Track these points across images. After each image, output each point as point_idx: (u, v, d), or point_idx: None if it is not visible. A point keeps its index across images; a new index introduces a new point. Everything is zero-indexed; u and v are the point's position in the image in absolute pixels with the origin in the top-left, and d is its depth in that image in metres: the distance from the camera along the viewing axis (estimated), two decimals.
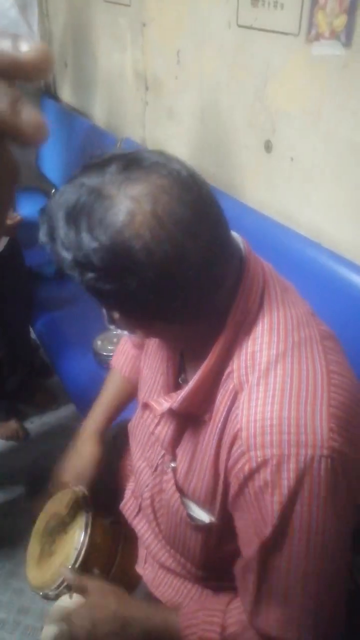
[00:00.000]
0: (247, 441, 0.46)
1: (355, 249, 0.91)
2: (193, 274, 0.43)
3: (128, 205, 0.41)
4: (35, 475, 0.91)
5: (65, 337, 1.34)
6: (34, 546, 0.80)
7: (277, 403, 0.46)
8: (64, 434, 1.51)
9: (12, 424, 1.48)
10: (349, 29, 0.81)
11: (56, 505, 0.81)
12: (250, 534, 0.48)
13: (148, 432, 0.64)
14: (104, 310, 0.53)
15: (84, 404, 1.14)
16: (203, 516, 0.57)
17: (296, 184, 1.00)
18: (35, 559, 0.78)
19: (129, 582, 0.75)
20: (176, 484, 0.58)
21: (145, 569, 0.71)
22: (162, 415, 0.58)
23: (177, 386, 0.60)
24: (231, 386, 0.49)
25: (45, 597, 0.72)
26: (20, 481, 1.03)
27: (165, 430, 0.59)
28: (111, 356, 1.18)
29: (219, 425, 0.50)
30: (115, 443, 0.84)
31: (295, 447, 0.44)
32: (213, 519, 0.55)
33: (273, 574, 0.48)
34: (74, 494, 0.79)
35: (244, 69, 1.05)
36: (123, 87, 1.57)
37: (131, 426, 0.74)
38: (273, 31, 0.95)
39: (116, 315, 0.52)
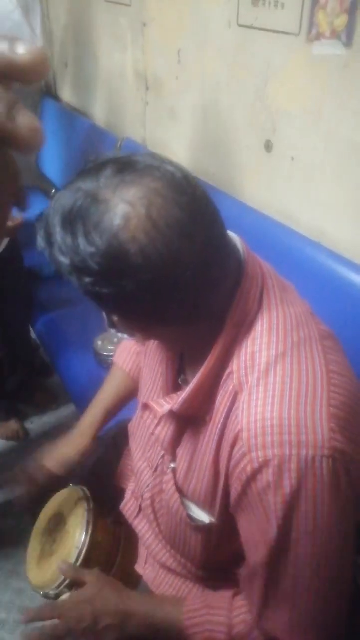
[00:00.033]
0: (248, 442, 0.46)
1: (355, 248, 0.91)
2: (190, 276, 0.43)
3: (123, 209, 0.41)
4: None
5: (65, 337, 1.34)
6: (34, 546, 0.80)
7: (277, 403, 0.46)
8: (64, 434, 1.51)
9: (13, 424, 1.48)
10: (350, 29, 0.81)
11: (57, 504, 0.81)
12: (256, 538, 0.48)
13: (148, 432, 0.64)
14: (104, 314, 0.53)
15: (85, 404, 1.13)
16: (203, 517, 0.57)
17: (297, 184, 1.00)
18: (36, 558, 0.78)
19: (129, 581, 0.74)
20: (176, 484, 0.58)
21: (145, 569, 0.71)
22: (163, 416, 0.58)
23: (176, 387, 0.61)
24: (231, 387, 0.49)
25: (46, 596, 0.72)
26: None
27: (166, 431, 0.59)
28: (111, 356, 1.17)
29: (219, 426, 0.50)
30: (115, 443, 0.84)
31: (297, 448, 0.44)
32: (213, 520, 0.55)
33: (280, 577, 0.48)
34: (75, 493, 0.79)
35: (244, 68, 1.05)
36: (124, 87, 1.57)
37: (131, 426, 0.74)
38: (274, 31, 0.95)
39: (116, 318, 0.52)
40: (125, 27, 1.47)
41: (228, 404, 0.49)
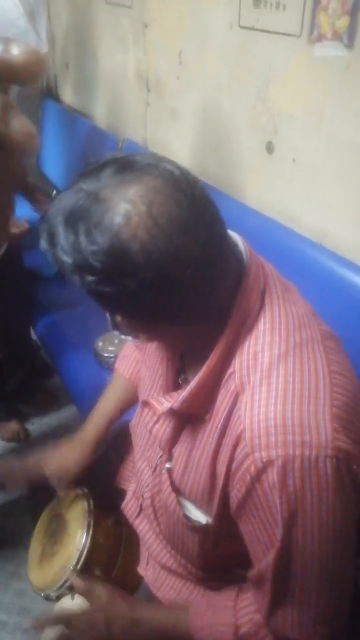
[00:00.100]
0: (251, 442, 0.46)
1: (356, 249, 0.91)
2: (191, 273, 0.43)
3: (124, 207, 0.42)
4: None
5: (66, 338, 1.34)
6: (35, 547, 0.80)
7: (280, 403, 0.46)
8: (65, 435, 1.50)
9: (13, 425, 1.48)
10: (352, 30, 0.81)
11: (58, 506, 0.81)
12: (262, 539, 0.48)
13: (146, 430, 0.64)
14: (107, 315, 0.54)
15: (85, 405, 1.13)
16: (200, 517, 0.57)
17: (298, 185, 1.00)
18: (37, 559, 0.78)
19: (130, 582, 0.75)
20: (172, 484, 0.58)
21: (147, 570, 0.71)
22: (162, 414, 0.58)
23: (176, 386, 0.61)
24: (232, 387, 0.49)
25: (47, 597, 0.72)
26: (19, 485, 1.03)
27: (164, 429, 0.59)
28: (112, 357, 1.19)
29: (220, 425, 0.50)
30: (115, 444, 0.84)
31: (300, 448, 0.44)
32: (210, 520, 0.55)
33: (287, 576, 0.48)
34: (75, 494, 0.79)
35: (245, 69, 1.05)
36: (125, 88, 1.57)
37: (132, 425, 0.74)
38: (275, 32, 0.95)
39: (118, 318, 0.52)
40: (127, 28, 1.47)
41: (229, 404, 0.49)
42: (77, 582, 0.67)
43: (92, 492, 0.78)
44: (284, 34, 0.93)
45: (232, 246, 0.50)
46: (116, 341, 1.21)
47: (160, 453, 0.62)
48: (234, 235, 0.52)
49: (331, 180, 0.92)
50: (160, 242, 0.42)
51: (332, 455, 0.44)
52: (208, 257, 0.44)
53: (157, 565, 0.69)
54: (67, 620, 0.62)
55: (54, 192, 1.63)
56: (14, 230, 1.30)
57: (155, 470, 0.64)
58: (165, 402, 0.56)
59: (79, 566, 0.70)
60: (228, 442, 0.49)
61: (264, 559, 0.49)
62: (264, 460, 0.45)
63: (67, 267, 0.44)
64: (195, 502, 0.57)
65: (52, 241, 0.44)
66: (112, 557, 0.75)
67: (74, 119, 1.88)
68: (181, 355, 0.61)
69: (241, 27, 1.03)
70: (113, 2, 1.50)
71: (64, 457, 0.78)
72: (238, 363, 0.49)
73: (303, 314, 0.52)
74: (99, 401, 0.82)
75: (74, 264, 0.43)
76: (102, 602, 0.63)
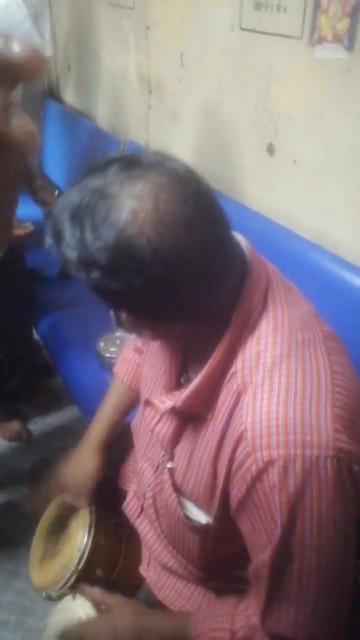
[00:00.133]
0: (253, 442, 0.46)
1: (357, 251, 0.91)
2: (195, 270, 0.43)
3: (130, 203, 0.42)
4: (38, 476, 0.91)
5: (67, 339, 1.35)
6: (37, 547, 0.80)
7: (282, 404, 0.46)
8: (67, 435, 1.51)
9: (15, 425, 1.48)
10: (352, 33, 0.81)
11: (59, 506, 0.81)
12: (261, 538, 0.48)
13: (148, 430, 0.64)
14: (112, 312, 0.54)
15: (87, 405, 1.14)
16: (200, 517, 0.57)
17: (298, 187, 1.00)
18: (39, 559, 0.78)
19: (132, 583, 0.75)
20: (174, 483, 0.58)
21: (148, 571, 0.72)
22: (164, 413, 0.58)
23: (178, 386, 0.61)
24: (235, 386, 0.49)
25: (49, 597, 0.72)
26: (23, 482, 1.03)
27: (166, 428, 0.59)
28: (114, 358, 1.18)
29: (221, 425, 0.50)
30: (117, 444, 0.84)
31: (301, 448, 0.44)
32: (210, 520, 0.56)
33: (284, 575, 0.48)
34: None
35: (247, 71, 1.06)
36: (127, 89, 1.58)
37: (134, 425, 0.74)
38: (276, 34, 0.95)
39: (123, 315, 0.52)
40: (129, 30, 1.48)
41: (231, 403, 0.50)
42: (90, 591, 0.67)
43: (93, 492, 0.78)
44: (284, 36, 0.94)
45: (235, 245, 0.51)
46: (118, 342, 1.21)
47: (163, 453, 0.62)
48: (236, 235, 0.53)
49: (331, 182, 0.93)
50: (167, 239, 0.42)
51: (333, 456, 0.44)
52: (213, 254, 0.45)
53: (158, 566, 0.69)
54: (79, 634, 0.62)
55: (56, 192, 1.63)
56: (18, 232, 1.30)
57: (157, 470, 0.64)
58: (168, 401, 0.56)
59: (80, 566, 0.70)
60: (229, 441, 0.50)
61: (261, 556, 0.49)
62: (265, 460, 0.45)
63: (73, 264, 0.44)
64: (196, 502, 0.57)
65: (58, 237, 0.45)
66: (114, 558, 0.75)
67: (76, 120, 1.88)
68: (183, 354, 0.61)
69: (242, 29, 1.04)
70: (115, 3, 1.51)
71: (78, 470, 0.77)
72: (240, 363, 0.49)
73: (305, 314, 0.52)
74: (100, 407, 0.82)
75: (80, 260, 0.43)
76: (110, 612, 0.64)
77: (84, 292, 0.47)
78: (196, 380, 0.52)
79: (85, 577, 0.70)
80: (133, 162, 0.44)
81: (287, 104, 0.98)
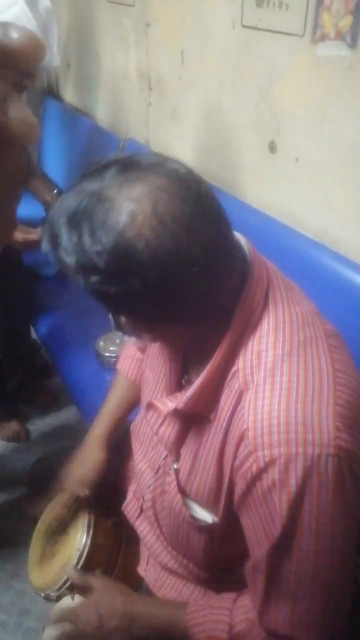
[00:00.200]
0: (254, 440, 0.46)
1: (358, 249, 0.90)
2: (196, 271, 0.43)
3: (128, 206, 0.42)
4: (37, 476, 0.90)
5: (67, 338, 1.34)
6: (35, 547, 0.79)
7: (284, 402, 0.46)
8: (66, 436, 1.50)
9: (14, 425, 1.48)
10: (355, 30, 0.81)
11: (58, 506, 0.81)
12: (260, 534, 0.48)
13: (151, 433, 0.64)
14: (110, 316, 0.53)
15: (86, 406, 1.13)
16: (206, 517, 0.57)
17: (300, 185, 1.00)
18: (37, 560, 0.78)
19: (131, 583, 0.74)
20: (178, 485, 0.58)
21: (147, 571, 0.71)
22: (166, 415, 0.58)
23: (180, 387, 0.60)
24: (236, 385, 0.49)
25: (47, 598, 0.71)
26: (22, 482, 1.03)
27: (170, 430, 0.59)
28: (114, 357, 1.18)
29: (224, 424, 0.50)
30: (117, 444, 0.84)
31: (303, 446, 0.44)
32: (216, 519, 0.55)
33: (282, 573, 0.48)
34: (75, 494, 0.78)
35: (248, 69, 1.05)
36: (127, 87, 1.57)
37: (134, 426, 0.73)
38: (278, 32, 0.95)
39: (122, 319, 0.52)
40: (129, 28, 1.47)
41: (233, 403, 0.49)
42: (73, 575, 0.67)
43: (92, 492, 0.78)
44: (286, 33, 0.93)
45: (236, 245, 0.50)
46: (117, 341, 1.20)
47: (164, 454, 0.62)
48: (236, 234, 0.52)
49: (333, 180, 0.92)
50: (166, 241, 0.41)
51: (334, 454, 0.44)
52: (213, 255, 0.44)
53: (157, 566, 0.69)
54: (64, 618, 0.62)
55: (55, 191, 1.62)
56: (20, 235, 1.27)
57: (157, 472, 0.64)
58: (170, 403, 0.56)
59: (79, 566, 0.70)
60: (232, 440, 0.50)
61: (259, 552, 0.49)
62: (267, 459, 0.45)
63: (71, 268, 0.44)
64: (201, 503, 0.57)
65: (55, 242, 0.44)
66: (113, 558, 0.75)
67: (76, 118, 1.88)
68: (184, 355, 0.60)
69: (244, 26, 1.03)
70: (115, 1, 1.50)
71: (80, 467, 0.77)
72: (242, 362, 0.49)
73: (307, 312, 0.52)
74: (103, 404, 0.82)
75: (78, 264, 0.43)
76: (97, 596, 0.62)
77: (83, 291, 0.46)
78: (198, 381, 0.51)
79: None
80: (131, 164, 0.44)
81: (289, 102, 0.97)
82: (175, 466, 0.59)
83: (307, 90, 0.92)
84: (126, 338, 0.55)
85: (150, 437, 0.65)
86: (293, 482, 0.44)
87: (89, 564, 0.70)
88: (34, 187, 1.43)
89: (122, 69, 1.57)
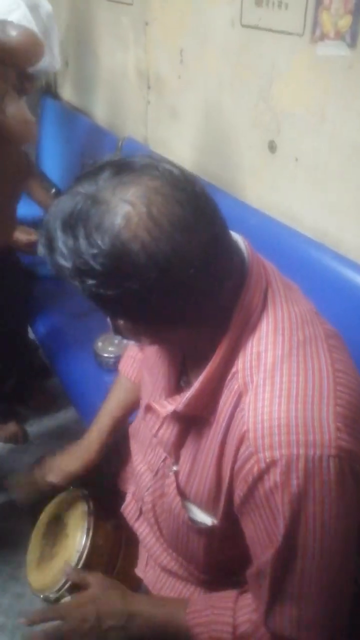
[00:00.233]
0: (255, 442, 0.46)
1: (359, 249, 0.90)
2: (193, 272, 0.43)
3: (123, 208, 0.41)
4: None
5: (65, 339, 1.34)
6: (34, 549, 0.79)
7: (284, 403, 0.46)
8: (64, 437, 1.49)
9: (12, 427, 1.47)
10: (354, 30, 0.81)
11: (57, 507, 0.80)
12: (262, 538, 0.48)
13: (150, 435, 0.64)
14: (109, 320, 0.53)
15: (85, 407, 1.13)
16: (205, 519, 0.56)
17: (300, 185, 1.00)
18: (36, 561, 0.77)
19: (130, 585, 0.74)
20: (178, 487, 0.58)
21: (146, 572, 0.71)
22: (165, 418, 0.58)
23: (178, 389, 0.60)
24: (235, 387, 0.49)
25: (46, 599, 0.71)
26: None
27: (169, 432, 0.59)
28: (112, 358, 1.18)
29: (223, 426, 0.50)
30: (116, 445, 0.83)
31: (304, 447, 0.44)
32: (215, 522, 0.55)
33: (287, 576, 0.48)
34: (75, 496, 0.78)
35: (248, 68, 1.05)
36: (125, 86, 1.57)
37: (132, 428, 0.73)
38: (277, 31, 0.95)
39: (120, 322, 0.52)
40: (127, 26, 1.47)
41: (232, 404, 0.49)
42: (70, 572, 0.66)
43: (91, 493, 0.78)
44: (286, 32, 0.93)
45: (233, 245, 0.50)
46: (116, 341, 1.20)
47: (163, 457, 0.61)
48: (234, 234, 0.52)
49: (334, 180, 0.92)
50: (162, 243, 0.41)
51: (335, 455, 0.44)
52: (210, 256, 0.44)
53: (157, 567, 0.69)
54: (61, 615, 0.61)
55: (53, 190, 1.61)
56: (21, 236, 1.26)
57: (156, 474, 0.63)
58: (169, 406, 0.56)
59: (78, 568, 0.69)
60: (232, 442, 0.49)
61: (263, 557, 0.48)
62: (268, 460, 0.45)
63: (67, 272, 0.44)
64: (200, 505, 0.56)
65: (51, 247, 0.44)
66: (112, 559, 0.74)
67: (74, 117, 1.87)
68: (182, 357, 0.60)
69: (243, 25, 1.03)
70: None
71: (69, 459, 0.77)
72: (241, 363, 0.49)
73: (306, 312, 0.52)
74: (103, 404, 0.81)
75: (74, 268, 0.43)
76: (94, 594, 0.62)
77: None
78: (197, 383, 0.51)
79: None
80: (125, 166, 0.44)
81: (289, 102, 0.97)
82: (175, 468, 0.59)
83: (307, 90, 0.92)
84: (125, 341, 0.54)
85: (149, 439, 0.65)
86: (294, 483, 0.44)
87: (89, 565, 0.70)
88: (30, 188, 1.42)
89: (121, 67, 1.56)
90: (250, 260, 0.51)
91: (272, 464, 0.45)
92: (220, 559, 0.60)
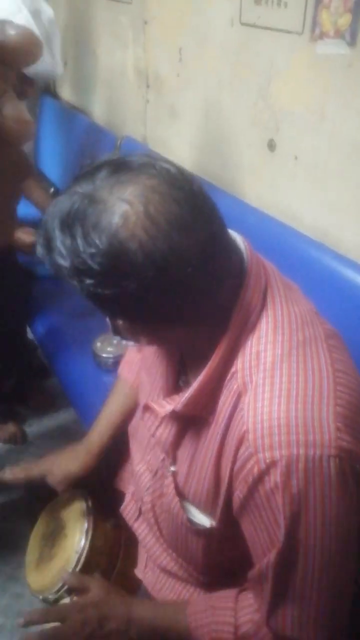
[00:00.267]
0: (255, 442, 0.46)
1: (358, 249, 0.90)
2: (191, 271, 0.43)
3: (121, 207, 0.41)
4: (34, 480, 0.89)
5: (64, 339, 1.33)
6: (33, 549, 0.79)
7: (284, 403, 0.46)
8: (63, 437, 1.49)
9: (11, 427, 1.47)
10: (354, 28, 0.80)
11: (56, 508, 0.80)
12: (263, 539, 0.48)
13: (148, 435, 0.63)
14: (108, 320, 0.53)
15: (83, 407, 1.13)
16: (204, 520, 0.56)
17: (300, 184, 0.99)
18: (35, 562, 0.77)
19: (129, 585, 0.74)
20: (176, 487, 0.58)
21: (145, 573, 0.71)
22: (164, 417, 0.58)
23: (177, 389, 0.60)
24: (235, 387, 0.49)
25: (45, 600, 0.71)
26: (19, 484, 1.02)
27: (167, 432, 0.58)
28: (111, 358, 1.18)
29: (222, 426, 0.50)
30: (115, 446, 0.83)
31: (304, 448, 0.44)
32: (214, 523, 0.55)
33: (289, 578, 0.48)
34: (74, 496, 0.78)
35: (247, 67, 1.05)
36: (124, 85, 1.56)
37: (131, 428, 0.73)
38: (277, 29, 0.94)
39: (119, 322, 0.52)
40: (126, 25, 1.46)
41: (231, 404, 0.49)
42: (71, 579, 0.66)
43: (90, 494, 0.77)
44: (285, 31, 0.93)
45: (232, 245, 0.50)
46: (115, 342, 1.20)
47: (162, 457, 0.61)
48: (233, 234, 0.52)
49: (333, 179, 0.92)
50: (159, 241, 0.41)
51: (336, 455, 0.44)
52: (209, 254, 0.44)
53: (156, 568, 0.69)
54: (62, 617, 0.61)
55: (52, 189, 1.61)
56: (24, 237, 1.26)
57: (156, 474, 0.63)
58: (167, 405, 0.55)
59: (77, 569, 0.69)
60: (231, 442, 0.49)
61: (264, 558, 0.48)
62: (268, 461, 0.45)
63: (65, 272, 0.44)
64: (199, 506, 0.56)
65: (49, 247, 0.44)
66: (112, 560, 0.74)
67: (73, 116, 1.86)
68: (181, 357, 0.60)
69: (242, 24, 1.02)
70: None
71: (69, 462, 0.76)
72: (240, 363, 0.49)
73: (306, 312, 0.52)
74: (102, 408, 0.81)
75: (73, 267, 0.43)
76: (96, 598, 0.62)
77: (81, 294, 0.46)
78: (196, 383, 0.51)
79: None
80: (122, 165, 0.44)
81: (288, 100, 0.97)
82: (172, 469, 0.58)
83: (306, 88, 0.92)
84: (124, 342, 0.54)
85: (148, 439, 0.64)
86: (295, 483, 0.44)
87: (88, 566, 0.70)
88: (28, 189, 1.42)
89: (120, 66, 1.56)
90: (249, 259, 0.51)
91: (272, 464, 0.45)
92: (219, 560, 0.60)
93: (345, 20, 0.82)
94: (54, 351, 1.33)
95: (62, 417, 1.54)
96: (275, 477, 0.45)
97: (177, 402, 0.53)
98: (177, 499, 0.58)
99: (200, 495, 0.55)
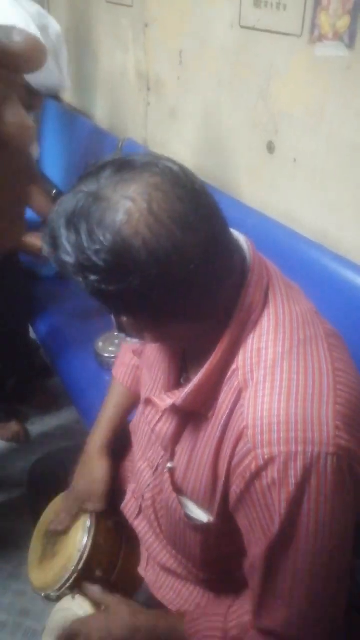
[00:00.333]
0: (254, 438, 0.46)
1: (358, 250, 0.91)
2: (194, 269, 0.43)
3: (125, 204, 0.42)
4: (37, 477, 0.90)
5: (66, 338, 1.34)
6: (36, 547, 0.79)
7: (284, 400, 0.46)
8: (66, 436, 1.50)
9: (13, 426, 1.48)
10: (352, 31, 0.81)
11: (58, 506, 0.81)
12: (257, 532, 0.48)
13: (149, 430, 0.64)
14: (112, 317, 0.54)
15: (86, 406, 1.13)
16: (201, 516, 0.57)
17: (299, 185, 1.00)
18: (37, 560, 0.78)
19: (131, 583, 0.74)
20: (174, 483, 0.58)
21: (147, 571, 0.71)
22: (164, 412, 0.58)
23: (178, 385, 0.60)
24: (235, 383, 0.49)
25: (48, 598, 0.71)
26: (21, 483, 1.03)
27: (167, 427, 0.59)
28: (113, 357, 1.18)
29: (222, 422, 0.50)
30: (117, 443, 0.84)
31: (302, 445, 0.44)
32: (211, 519, 0.55)
33: (279, 571, 0.48)
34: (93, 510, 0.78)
35: (246, 69, 1.05)
36: (125, 87, 1.57)
37: (133, 425, 0.73)
38: (276, 32, 0.95)
39: (124, 319, 0.52)
40: (127, 28, 1.47)
41: (232, 401, 0.49)
42: (95, 592, 0.67)
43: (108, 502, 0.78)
44: (284, 34, 0.93)
45: (235, 243, 0.51)
46: (117, 341, 1.20)
47: (162, 453, 0.62)
48: (236, 233, 0.52)
49: (332, 180, 0.92)
50: (162, 238, 0.42)
51: (334, 453, 0.44)
52: (211, 252, 0.45)
53: (157, 567, 0.69)
54: (81, 623, 0.63)
55: (54, 191, 1.62)
56: (37, 242, 1.25)
57: (156, 470, 0.64)
58: (168, 399, 0.56)
59: (79, 567, 0.70)
60: (230, 438, 0.50)
61: (255, 550, 0.49)
62: (266, 457, 0.45)
63: (71, 269, 0.44)
64: (197, 501, 0.57)
65: (55, 244, 0.45)
66: (113, 558, 0.75)
67: (74, 118, 1.87)
68: (183, 353, 0.60)
69: (242, 27, 1.03)
70: (113, 1, 1.50)
71: (92, 484, 0.76)
72: (241, 360, 0.49)
73: (306, 312, 0.52)
74: (101, 410, 0.81)
75: (78, 264, 0.43)
76: (106, 611, 0.64)
77: (82, 291, 0.47)
78: (197, 378, 0.51)
79: (84, 578, 0.69)
80: (126, 164, 0.44)
81: (288, 102, 0.97)
82: (169, 465, 0.59)
83: (306, 91, 0.92)
84: (127, 339, 0.55)
85: (149, 436, 0.65)
86: (292, 480, 0.44)
87: (90, 564, 0.70)
88: (30, 195, 1.42)
89: (121, 69, 1.57)
90: (252, 258, 0.51)
91: (270, 460, 0.45)
92: (217, 556, 0.60)
93: (343, 23, 0.82)
94: (56, 351, 1.34)
95: (64, 416, 1.55)
96: (272, 473, 0.45)
97: (178, 396, 0.54)
98: (174, 494, 0.58)
99: (198, 491, 0.55)
